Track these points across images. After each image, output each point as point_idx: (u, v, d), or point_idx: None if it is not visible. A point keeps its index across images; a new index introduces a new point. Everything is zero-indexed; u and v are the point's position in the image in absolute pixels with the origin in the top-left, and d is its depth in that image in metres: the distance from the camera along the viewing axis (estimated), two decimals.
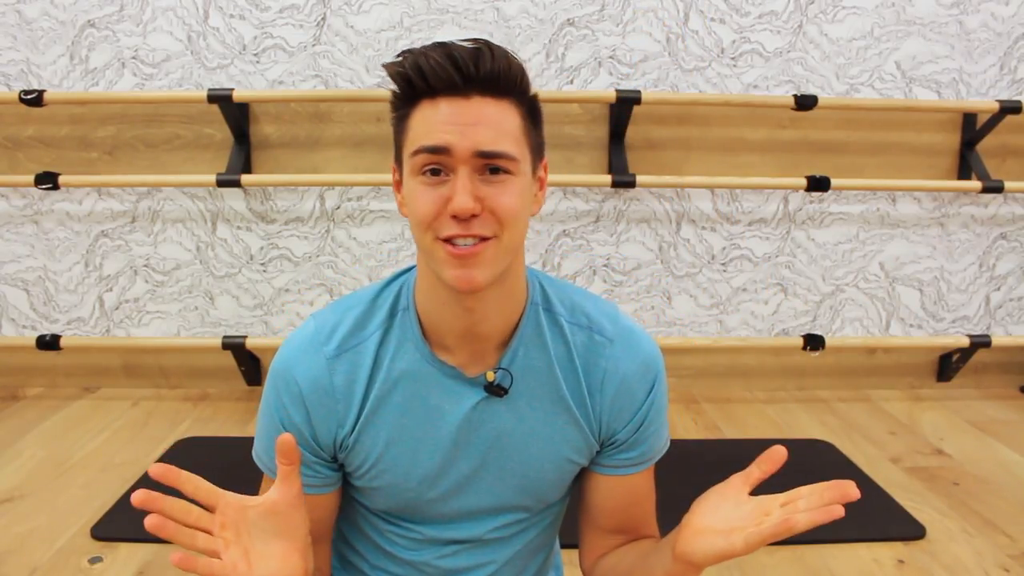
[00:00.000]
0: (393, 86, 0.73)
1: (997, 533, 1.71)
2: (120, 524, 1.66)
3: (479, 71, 0.68)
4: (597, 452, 0.85)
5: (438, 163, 0.69)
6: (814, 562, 1.60)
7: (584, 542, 0.91)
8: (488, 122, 0.68)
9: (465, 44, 0.69)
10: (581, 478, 0.89)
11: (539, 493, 0.85)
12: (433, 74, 0.68)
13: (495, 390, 0.78)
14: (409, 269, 0.82)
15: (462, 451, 0.80)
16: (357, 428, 0.78)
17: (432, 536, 0.85)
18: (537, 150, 0.75)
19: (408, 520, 0.84)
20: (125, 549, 1.57)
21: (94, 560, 1.54)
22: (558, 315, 0.81)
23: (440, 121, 0.68)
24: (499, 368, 0.79)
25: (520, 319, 0.80)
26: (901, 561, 1.60)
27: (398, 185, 0.77)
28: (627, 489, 0.86)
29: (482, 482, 0.82)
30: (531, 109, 0.73)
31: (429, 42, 0.72)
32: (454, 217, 0.68)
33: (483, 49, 0.68)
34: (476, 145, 0.68)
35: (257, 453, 0.82)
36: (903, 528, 1.72)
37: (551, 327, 0.81)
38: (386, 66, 0.72)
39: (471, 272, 0.69)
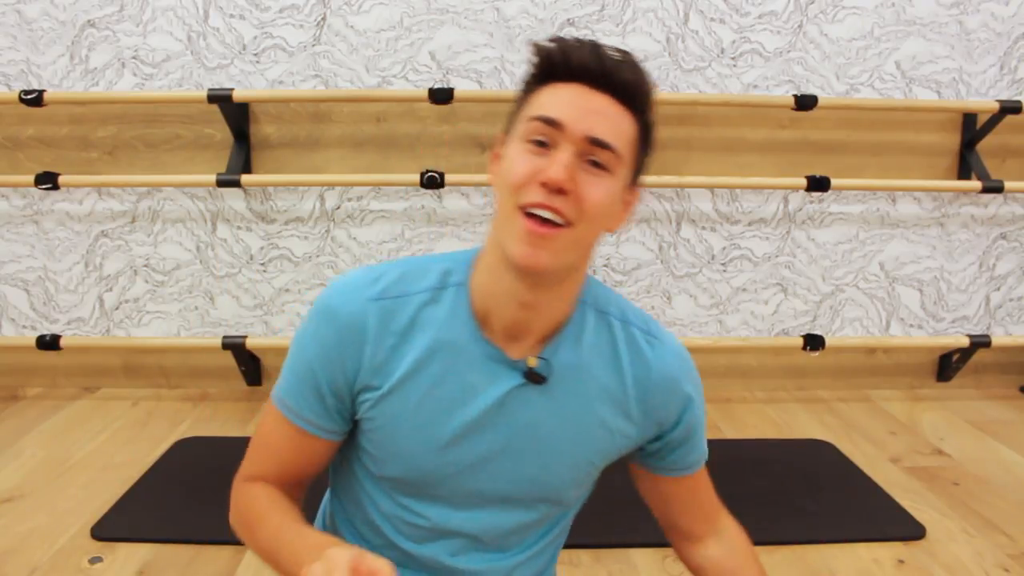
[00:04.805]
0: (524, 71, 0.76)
1: (997, 533, 1.71)
2: (120, 524, 1.66)
3: (617, 75, 0.72)
4: (647, 455, 0.89)
5: (547, 135, 0.72)
6: (814, 562, 1.60)
7: (677, 549, 0.99)
8: (607, 116, 0.72)
9: (612, 50, 0.73)
10: (647, 488, 0.94)
11: (552, 488, 0.86)
12: (577, 60, 0.72)
13: (534, 376, 0.80)
14: (470, 250, 0.83)
15: (487, 430, 0.81)
16: (391, 384, 0.79)
17: (437, 523, 0.85)
18: (638, 169, 0.77)
19: (417, 498, 0.84)
20: (125, 549, 1.57)
21: (94, 560, 1.54)
22: (610, 315, 0.84)
23: (564, 100, 0.72)
24: (541, 357, 0.80)
25: (569, 317, 0.82)
26: (901, 561, 1.61)
27: (496, 156, 0.79)
28: (689, 490, 0.93)
29: (500, 465, 0.82)
30: (646, 130, 0.76)
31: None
32: (544, 185, 0.70)
33: (629, 61, 0.73)
34: (589, 130, 0.71)
35: (280, 392, 0.83)
36: (903, 528, 1.72)
37: (600, 327, 0.83)
38: (534, 43, 0.75)
39: (539, 252, 0.71)
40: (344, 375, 0.79)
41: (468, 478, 0.82)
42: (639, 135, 0.75)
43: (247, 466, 0.88)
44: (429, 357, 0.79)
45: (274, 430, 0.84)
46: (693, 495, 0.94)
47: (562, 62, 0.72)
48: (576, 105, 0.71)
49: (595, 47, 0.72)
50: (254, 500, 0.84)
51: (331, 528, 0.94)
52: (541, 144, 0.72)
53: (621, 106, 0.73)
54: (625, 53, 0.73)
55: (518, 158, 0.73)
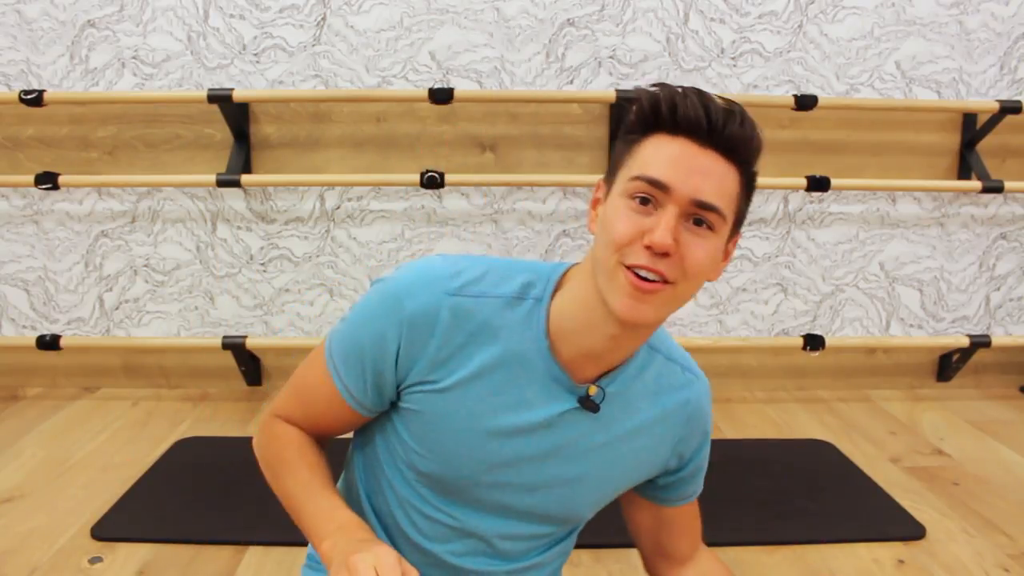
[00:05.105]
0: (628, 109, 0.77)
1: (997, 533, 1.71)
2: (120, 524, 1.65)
3: (725, 130, 0.70)
4: (657, 487, 0.92)
5: (652, 195, 0.71)
6: (814, 562, 1.60)
7: (655, 573, 1.01)
8: (713, 176, 0.71)
9: (720, 101, 0.71)
10: (643, 515, 0.96)
11: (576, 509, 0.88)
12: (684, 114, 0.70)
13: (589, 404, 0.81)
14: (554, 266, 0.82)
15: (531, 447, 0.81)
16: (450, 383, 0.78)
17: (457, 522, 0.85)
18: (738, 222, 0.77)
19: (442, 496, 0.84)
20: (125, 549, 1.57)
21: (94, 560, 1.53)
22: (659, 351, 0.86)
23: (669, 158, 0.70)
24: (598, 386, 0.81)
25: (634, 352, 0.83)
26: (901, 561, 1.60)
27: (596, 203, 0.78)
28: (689, 515, 0.97)
29: (533, 482, 0.83)
30: (749, 182, 0.75)
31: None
32: (648, 248, 0.69)
33: (736, 113, 0.71)
34: (695, 192, 0.70)
35: (331, 338, 0.82)
36: (903, 528, 1.72)
37: (649, 362, 0.85)
38: (640, 90, 0.73)
39: (642, 307, 0.71)
40: (396, 365, 0.78)
41: (501, 489, 0.83)
42: (742, 187, 0.74)
43: (283, 403, 0.87)
44: (495, 365, 0.78)
45: (317, 383, 0.83)
46: (686, 520, 0.97)
47: (668, 114, 0.71)
48: (682, 165, 0.70)
49: (703, 98, 0.70)
50: (286, 444, 0.84)
51: (353, 495, 0.93)
52: (644, 202, 0.71)
53: (727, 162, 0.71)
54: (732, 103, 0.71)
55: (622, 215, 0.71)
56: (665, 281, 0.71)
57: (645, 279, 0.70)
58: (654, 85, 0.73)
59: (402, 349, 0.77)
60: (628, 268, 0.71)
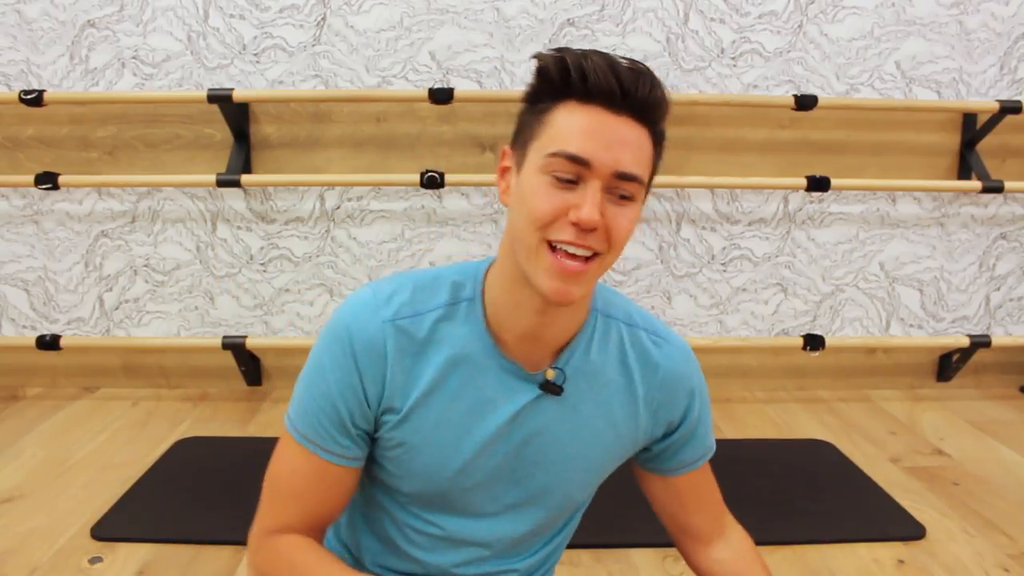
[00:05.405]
0: (533, 75, 0.73)
1: (997, 533, 1.71)
2: (120, 524, 1.66)
3: (636, 93, 0.68)
4: (654, 457, 0.90)
5: (572, 172, 0.69)
6: (814, 562, 1.60)
7: (686, 554, 0.97)
8: (630, 144, 0.69)
9: (624, 62, 0.69)
10: (655, 490, 0.93)
11: (564, 493, 0.87)
12: (595, 80, 0.68)
13: (552, 388, 0.80)
14: (479, 262, 0.82)
15: (503, 443, 0.81)
16: (408, 405, 0.78)
17: (451, 532, 0.85)
18: (649, 183, 0.76)
19: (432, 510, 0.84)
20: (125, 549, 1.57)
21: (94, 560, 1.54)
22: (616, 320, 0.84)
23: (587, 130, 0.68)
24: (556, 367, 0.80)
25: (581, 325, 0.81)
26: (901, 561, 1.61)
27: (504, 171, 0.77)
28: (696, 486, 0.92)
29: (514, 476, 0.83)
30: (659, 142, 0.74)
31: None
32: (575, 225, 0.68)
33: (645, 73, 0.69)
34: (617, 165, 0.69)
35: (292, 419, 0.80)
36: (903, 528, 1.72)
37: (607, 332, 0.83)
38: (541, 55, 0.71)
39: (570, 288, 0.71)
40: (368, 402, 0.78)
41: (484, 490, 0.83)
42: (654, 147, 0.73)
43: (268, 517, 0.82)
44: (446, 374, 0.78)
45: (297, 469, 0.80)
46: (701, 491, 0.93)
47: (579, 81, 0.68)
48: (600, 136, 0.68)
49: (608, 61, 0.68)
50: (295, 556, 0.79)
51: (349, 535, 0.93)
52: (568, 181, 0.69)
53: (639, 125, 0.70)
54: (635, 63, 0.69)
55: (541, 192, 0.70)
56: (594, 254, 0.70)
57: (574, 256, 0.70)
58: (555, 49, 0.71)
59: (364, 382, 0.77)
60: (554, 246, 0.70)
